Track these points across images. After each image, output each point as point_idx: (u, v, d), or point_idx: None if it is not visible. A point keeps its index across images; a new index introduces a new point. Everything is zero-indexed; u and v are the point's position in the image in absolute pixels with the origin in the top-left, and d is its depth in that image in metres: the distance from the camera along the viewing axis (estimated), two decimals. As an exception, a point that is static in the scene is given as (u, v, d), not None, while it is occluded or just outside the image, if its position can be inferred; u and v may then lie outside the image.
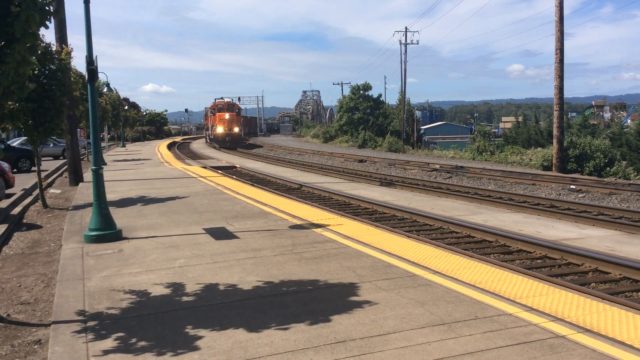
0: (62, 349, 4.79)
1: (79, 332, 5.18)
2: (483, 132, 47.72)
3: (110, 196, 12.82)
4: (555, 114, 28.68)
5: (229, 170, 27.05)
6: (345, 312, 5.48)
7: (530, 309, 5.46)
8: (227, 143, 56.00)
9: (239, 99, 66.16)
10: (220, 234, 9.69)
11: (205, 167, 27.24)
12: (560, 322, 5.10)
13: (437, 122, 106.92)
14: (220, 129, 57.00)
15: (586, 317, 5.24)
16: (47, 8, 5.24)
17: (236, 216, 11.54)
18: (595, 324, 5.06)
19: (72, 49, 14.98)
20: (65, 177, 22.12)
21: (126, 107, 61.48)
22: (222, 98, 62.28)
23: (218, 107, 59.63)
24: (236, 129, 57.74)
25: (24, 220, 12.83)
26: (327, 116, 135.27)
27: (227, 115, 57.28)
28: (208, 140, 64.38)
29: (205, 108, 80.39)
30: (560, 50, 27.96)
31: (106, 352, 4.68)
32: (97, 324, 5.35)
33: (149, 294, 6.26)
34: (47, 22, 5.37)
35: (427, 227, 11.92)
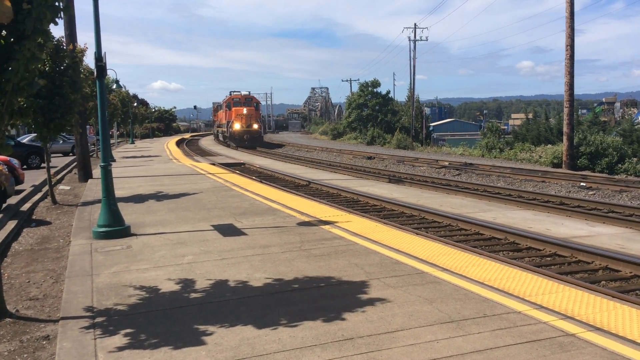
0: (71, 345, 4.81)
1: (87, 328, 5.19)
2: (495, 128, 47.38)
3: (119, 192, 12.86)
4: (566, 110, 28.50)
5: (237, 167, 27.08)
6: (353, 309, 5.47)
7: (540, 307, 5.42)
8: (246, 142, 49.34)
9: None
10: (228, 230, 9.70)
11: (213, 164, 27.28)
12: (570, 321, 5.06)
13: (446, 119, 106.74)
14: (237, 126, 49.86)
15: (596, 315, 5.20)
16: (57, 4, 5.25)
17: (244, 213, 11.54)
18: (605, 322, 5.01)
19: (87, 46, 15.02)
20: (75, 173, 22.24)
21: (135, 104, 61.63)
22: (238, 91, 55.01)
23: (234, 101, 52.67)
24: (255, 126, 50.72)
25: (34, 217, 12.90)
26: (335, 113, 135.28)
27: (245, 110, 50.20)
28: (222, 139, 57.79)
29: (214, 103, 78.20)
30: (571, 46, 27.77)
31: (114, 348, 4.69)
32: (105, 320, 5.36)
33: (157, 290, 6.27)
34: (57, 19, 5.38)
35: (436, 225, 11.87)
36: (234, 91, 55.25)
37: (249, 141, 49.50)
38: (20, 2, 4.91)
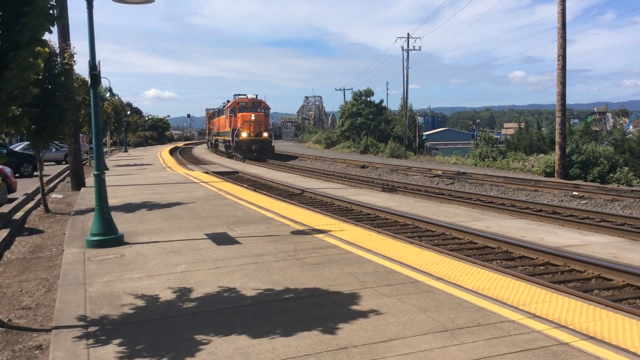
0: (63, 354, 4.78)
1: (80, 337, 5.16)
2: (488, 137, 47.60)
3: (112, 201, 12.80)
4: (558, 120, 28.70)
5: (231, 176, 27.06)
6: (348, 318, 5.46)
7: (534, 316, 5.44)
8: (254, 153, 42.58)
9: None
10: (222, 239, 9.68)
11: (207, 173, 27.24)
12: (564, 329, 5.08)
13: (439, 128, 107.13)
14: (244, 134, 42.82)
15: (589, 324, 5.22)
16: (51, 12, 5.25)
17: (238, 221, 11.52)
18: (598, 331, 5.03)
19: (74, 48, 14.93)
20: (68, 182, 22.14)
21: (129, 112, 61.46)
22: (244, 95, 47.37)
23: (240, 106, 45.06)
24: (265, 134, 43.79)
25: (26, 225, 12.83)
26: (329, 122, 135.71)
27: (253, 117, 43.38)
28: (224, 149, 50.68)
29: (207, 110, 72.82)
30: (563, 56, 27.99)
31: (107, 358, 4.66)
32: (98, 330, 5.33)
33: (150, 300, 6.24)
34: (51, 27, 5.38)
35: (430, 233, 11.89)
36: (239, 94, 47.56)
37: (258, 152, 42.81)
38: (18, 13, 4.90)
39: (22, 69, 5.13)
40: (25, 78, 5.30)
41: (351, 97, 76.46)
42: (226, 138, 47.69)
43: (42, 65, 12.63)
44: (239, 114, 43.93)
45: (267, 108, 47.11)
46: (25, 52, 5.01)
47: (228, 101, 48.88)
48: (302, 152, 59.25)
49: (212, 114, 62.28)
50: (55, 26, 5.45)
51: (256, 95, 47.26)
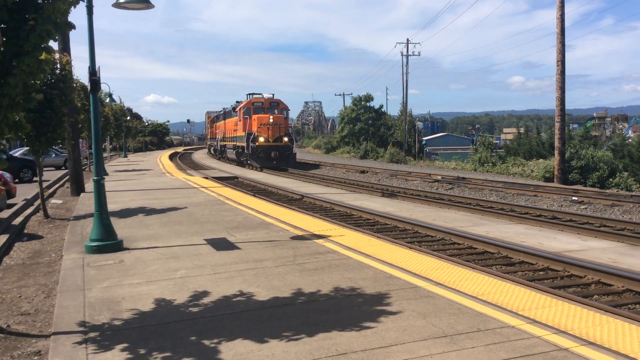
0: (62, 361, 4.77)
1: (79, 343, 5.15)
2: (487, 142, 47.70)
3: (111, 206, 12.80)
4: (557, 125, 28.76)
5: (230, 181, 27.04)
6: (347, 323, 5.45)
7: (533, 321, 5.43)
8: (273, 160, 36.81)
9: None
10: (221, 244, 9.67)
11: (207, 178, 27.24)
12: (563, 335, 5.07)
13: (438, 133, 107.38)
14: (261, 139, 36.89)
15: (589, 329, 5.21)
16: (59, 20, 5.26)
17: (237, 227, 11.52)
18: (598, 336, 5.03)
19: (70, 58, 14.98)
20: (67, 187, 22.14)
21: (128, 118, 61.47)
22: (259, 94, 41.05)
23: (255, 107, 38.94)
24: (286, 139, 37.84)
25: (25, 231, 12.82)
26: (328, 127, 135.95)
27: (271, 119, 37.26)
28: (234, 156, 43.51)
29: (207, 113, 69.70)
30: (562, 61, 28.06)
31: (106, 364, 4.65)
32: (97, 335, 5.32)
33: (150, 305, 6.23)
34: (56, 35, 5.39)
35: (429, 239, 11.88)
36: (254, 93, 41.22)
37: (278, 160, 37.04)
38: (23, 19, 4.90)
39: (26, 75, 5.14)
40: (28, 84, 5.31)
41: (351, 102, 76.69)
42: (238, 144, 41.00)
43: (49, 71, 12.73)
44: (254, 116, 37.70)
45: (287, 109, 40.86)
46: (29, 58, 5.02)
47: (238, 102, 43.15)
48: (302, 158, 59.25)
49: (215, 117, 57.62)
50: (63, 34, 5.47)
51: (273, 95, 41.00)
